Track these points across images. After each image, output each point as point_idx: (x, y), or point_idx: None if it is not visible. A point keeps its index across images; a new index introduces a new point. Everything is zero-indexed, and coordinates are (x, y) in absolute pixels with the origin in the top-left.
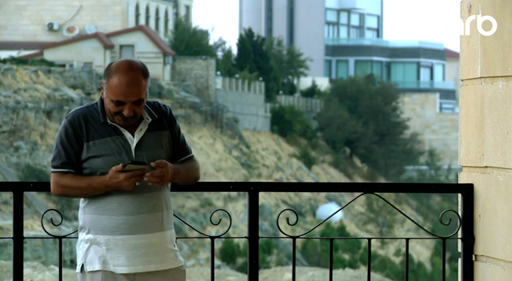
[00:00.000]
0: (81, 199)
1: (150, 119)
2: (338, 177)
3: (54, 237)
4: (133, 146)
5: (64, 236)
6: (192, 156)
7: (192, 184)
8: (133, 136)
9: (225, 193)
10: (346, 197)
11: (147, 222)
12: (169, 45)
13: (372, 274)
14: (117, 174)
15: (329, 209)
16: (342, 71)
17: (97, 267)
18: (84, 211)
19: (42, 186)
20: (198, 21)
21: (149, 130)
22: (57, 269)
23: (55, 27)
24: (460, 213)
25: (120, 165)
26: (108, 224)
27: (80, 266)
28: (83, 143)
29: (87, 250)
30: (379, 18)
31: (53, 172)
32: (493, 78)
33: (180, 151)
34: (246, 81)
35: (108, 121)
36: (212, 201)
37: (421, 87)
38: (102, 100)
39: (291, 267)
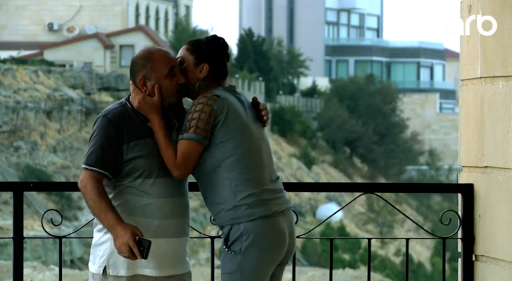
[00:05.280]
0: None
1: (177, 124)
2: (338, 177)
3: (54, 237)
4: None
5: (64, 236)
6: None
7: None
8: None
9: None
10: (346, 197)
11: (177, 226)
12: (169, 45)
13: (372, 274)
14: (127, 232)
15: (329, 209)
16: (342, 71)
17: (122, 272)
18: None
19: (42, 186)
20: (198, 21)
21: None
22: (57, 269)
23: (55, 27)
24: (460, 213)
25: (137, 237)
26: (142, 226)
27: (102, 268)
28: (124, 144)
29: (112, 253)
30: (379, 18)
31: (85, 168)
32: (493, 78)
33: None
34: (246, 81)
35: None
36: None
37: (421, 87)
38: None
39: (291, 267)
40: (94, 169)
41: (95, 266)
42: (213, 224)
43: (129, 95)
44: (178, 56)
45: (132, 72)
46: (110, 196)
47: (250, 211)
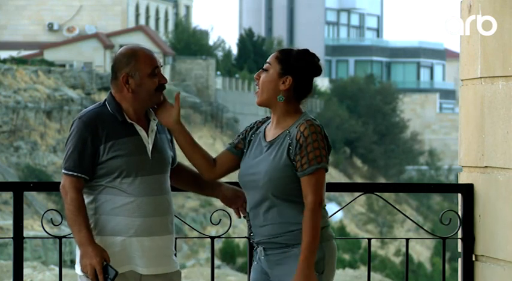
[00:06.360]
0: (89, 199)
1: (157, 120)
2: (338, 177)
3: (54, 237)
4: (149, 147)
5: (64, 236)
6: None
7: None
8: (147, 136)
9: None
10: (346, 197)
11: (160, 224)
12: (169, 45)
13: (372, 274)
14: (97, 255)
15: (329, 209)
16: (342, 71)
17: None
18: (95, 211)
19: (42, 186)
20: (198, 21)
21: (158, 132)
22: (57, 269)
23: (55, 27)
24: (460, 213)
25: (105, 263)
26: (124, 225)
27: None
28: (100, 145)
29: None
30: (379, 18)
31: (64, 173)
32: (493, 78)
33: (175, 156)
34: (246, 81)
35: (127, 119)
36: (212, 201)
37: (421, 87)
38: (113, 100)
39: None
40: (73, 173)
41: (80, 267)
42: (271, 241)
43: (109, 96)
44: (267, 60)
45: (114, 69)
46: (91, 198)
47: (327, 232)
